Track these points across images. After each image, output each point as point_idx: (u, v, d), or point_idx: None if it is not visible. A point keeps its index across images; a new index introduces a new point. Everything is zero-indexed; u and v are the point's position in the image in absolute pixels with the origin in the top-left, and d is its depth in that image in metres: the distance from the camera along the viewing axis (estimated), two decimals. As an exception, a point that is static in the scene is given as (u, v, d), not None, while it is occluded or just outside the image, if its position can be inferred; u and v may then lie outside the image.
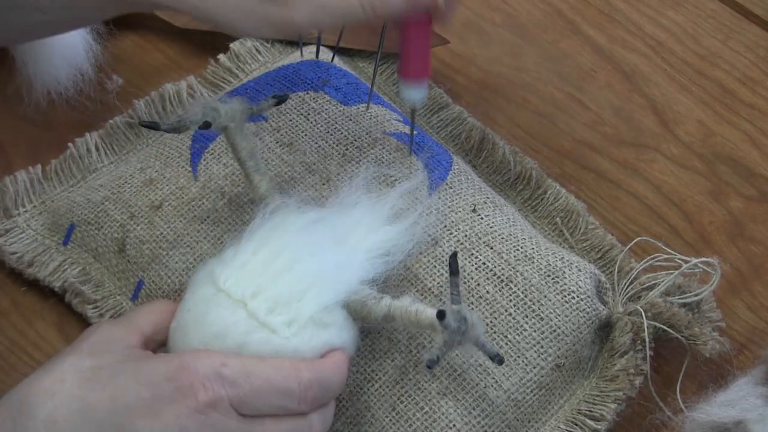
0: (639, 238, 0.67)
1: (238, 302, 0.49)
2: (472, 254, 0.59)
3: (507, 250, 0.60)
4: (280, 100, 0.59)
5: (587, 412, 0.59)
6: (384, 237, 0.55)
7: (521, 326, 0.58)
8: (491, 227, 0.61)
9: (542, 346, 0.58)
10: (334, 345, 0.51)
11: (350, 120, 0.63)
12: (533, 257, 0.60)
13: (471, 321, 0.49)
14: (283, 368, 0.46)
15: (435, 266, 0.59)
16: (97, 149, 0.68)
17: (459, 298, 0.50)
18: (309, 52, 0.70)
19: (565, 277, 0.60)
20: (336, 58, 0.70)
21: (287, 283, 0.50)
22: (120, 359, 0.46)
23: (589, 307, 0.59)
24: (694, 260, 0.62)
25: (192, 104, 0.50)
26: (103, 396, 0.44)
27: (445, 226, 0.60)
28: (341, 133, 0.63)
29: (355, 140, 0.63)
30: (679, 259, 0.64)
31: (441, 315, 0.49)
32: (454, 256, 0.51)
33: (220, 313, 0.49)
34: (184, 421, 0.43)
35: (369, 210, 0.56)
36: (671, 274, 0.62)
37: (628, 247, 0.66)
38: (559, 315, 0.59)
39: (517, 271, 0.59)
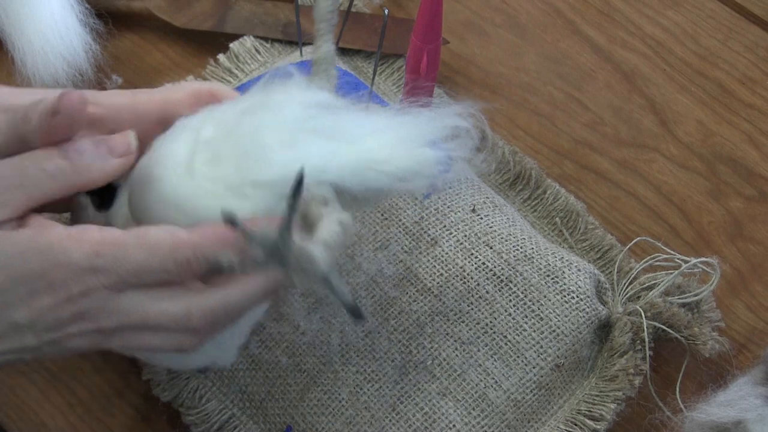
0: (639, 238, 0.67)
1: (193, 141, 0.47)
2: (472, 254, 0.59)
3: (506, 250, 0.60)
4: None
5: (587, 412, 0.59)
6: (388, 155, 0.48)
7: (521, 326, 0.58)
8: (491, 227, 0.61)
9: (542, 346, 0.58)
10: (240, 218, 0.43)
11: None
12: (533, 257, 0.60)
13: (308, 255, 0.42)
14: (160, 249, 0.45)
15: (435, 266, 0.59)
16: (97, 149, 0.68)
17: (289, 225, 0.41)
18: (309, 52, 0.70)
19: (565, 277, 0.60)
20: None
21: (247, 143, 0.46)
22: None
23: (588, 307, 0.59)
24: (694, 260, 0.63)
25: None
26: None
27: (445, 226, 0.60)
28: (341, 133, 0.63)
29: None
30: (678, 259, 0.64)
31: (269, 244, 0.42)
32: (300, 174, 0.42)
33: (174, 145, 0.47)
34: (58, 312, 0.44)
35: (388, 124, 0.49)
36: (671, 274, 0.62)
37: (628, 247, 0.66)
38: (558, 315, 0.59)
39: (517, 271, 0.59)
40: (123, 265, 0.44)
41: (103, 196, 0.51)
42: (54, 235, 0.45)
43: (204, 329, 0.46)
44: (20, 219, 0.45)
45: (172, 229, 0.45)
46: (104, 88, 0.72)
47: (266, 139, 0.46)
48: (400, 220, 0.60)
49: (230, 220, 0.42)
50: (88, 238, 0.45)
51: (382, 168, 0.47)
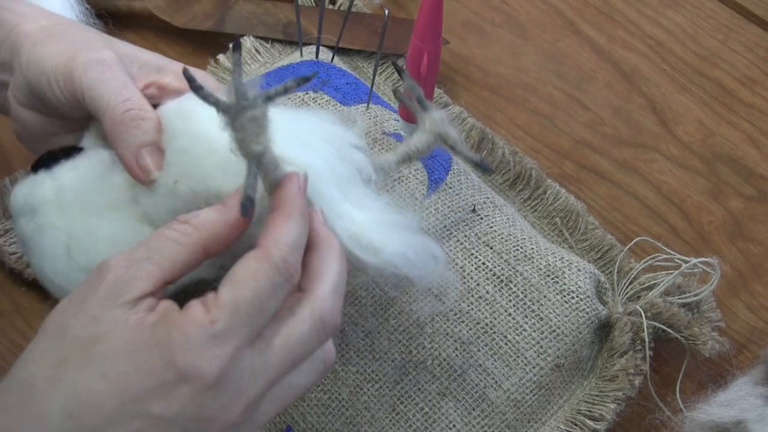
0: (639, 238, 0.67)
1: None
2: (472, 254, 0.59)
3: (507, 250, 0.60)
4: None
5: (587, 412, 0.59)
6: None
7: (521, 326, 0.58)
8: (491, 227, 0.61)
9: (542, 346, 0.58)
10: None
11: (349, 120, 0.63)
12: (533, 257, 0.60)
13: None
14: (258, 275, 0.42)
15: (435, 266, 0.59)
16: (97, 149, 0.68)
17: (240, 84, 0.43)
18: (309, 52, 0.70)
19: (565, 277, 0.60)
20: (336, 58, 0.70)
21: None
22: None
23: (588, 307, 0.59)
24: (694, 260, 0.63)
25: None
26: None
27: (445, 227, 0.60)
28: (341, 133, 0.63)
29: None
30: (678, 259, 0.64)
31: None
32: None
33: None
34: (197, 398, 0.41)
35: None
36: (671, 274, 0.62)
37: (628, 247, 0.66)
38: (558, 315, 0.59)
39: (517, 271, 0.59)
40: (238, 313, 0.41)
41: (57, 157, 0.51)
42: (172, 320, 0.41)
43: (336, 318, 0.44)
44: (155, 295, 0.42)
45: (252, 254, 0.43)
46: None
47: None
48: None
49: (188, 77, 0.42)
50: (195, 312, 0.41)
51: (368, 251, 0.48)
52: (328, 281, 0.44)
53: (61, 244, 0.50)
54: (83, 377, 0.40)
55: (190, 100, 0.49)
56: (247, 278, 0.41)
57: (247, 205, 0.42)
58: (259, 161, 0.43)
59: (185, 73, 0.42)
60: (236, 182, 0.45)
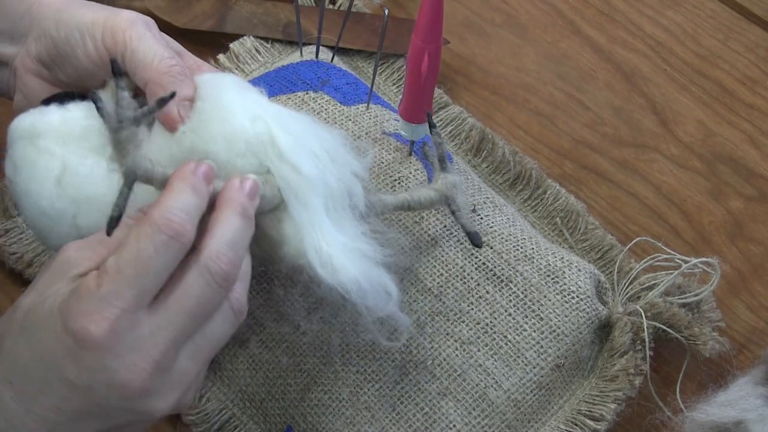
0: (639, 238, 0.67)
1: None
2: (472, 254, 0.59)
3: (507, 250, 0.60)
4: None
5: (587, 412, 0.59)
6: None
7: (521, 326, 0.58)
8: (491, 227, 0.61)
9: (542, 346, 0.58)
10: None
11: (350, 120, 0.63)
12: (533, 257, 0.60)
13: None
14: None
15: (435, 266, 0.59)
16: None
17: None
18: (309, 52, 0.70)
19: (565, 277, 0.60)
20: (336, 58, 0.70)
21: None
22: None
23: (588, 307, 0.59)
24: (694, 260, 0.63)
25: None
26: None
27: (445, 227, 0.60)
28: (341, 133, 0.63)
29: (355, 140, 0.63)
30: (678, 259, 0.64)
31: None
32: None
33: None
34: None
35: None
36: (671, 274, 0.62)
37: (628, 247, 0.66)
38: (558, 315, 0.59)
39: (517, 271, 0.59)
40: (122, 274, 0.44)
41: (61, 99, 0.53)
42: (74, 289, 0.44)
43: (228, 267, 0.45)
44: None
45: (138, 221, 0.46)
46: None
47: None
48: (400, 220, 0.60)
49: (94, 99, 0.46)
50: (88, 279, 0.44)
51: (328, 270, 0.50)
52: (217, 236, 0.46)
53: (55, 171, 0.50)
54: (15, 347, 0.44)
55: (227, 78, 0.52)
56: (129, 242, 0.44)
57: (110, 224, 0.45)
58: (130, 182, 0.45)
59: (91, 95, 0.46)
60: (233, 157, 0.48)
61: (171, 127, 0.50)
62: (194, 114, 0.50)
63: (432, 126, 0.53)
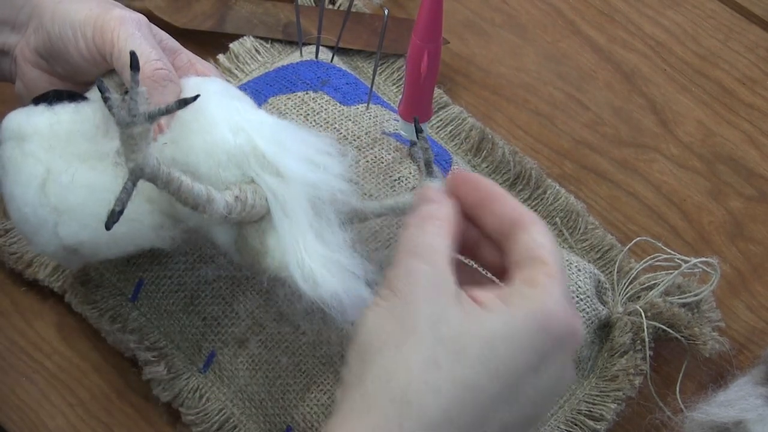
0: (639, 238, 0.67)
1: None
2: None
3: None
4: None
5: (587, 412, 0.59)
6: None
7: (521, 326, 0.58)
8: (491, 227, 0.61)
9: (542, 346, 0.58)
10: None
11: (350, 120, 0.63)
12: (533, 257, 0.60)
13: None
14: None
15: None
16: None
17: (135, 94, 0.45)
18: (308, 52, 0.70)
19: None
20: (336, 58, 0.70)
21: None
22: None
23: (588, 307, 0.59)
24: (694, 260, 0.63)
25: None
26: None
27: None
28: (340, 134, 0.63)
29: (355, 140, 0.63)
30: (678, 259, 0.64)
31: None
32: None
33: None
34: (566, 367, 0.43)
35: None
36: (671, 274, 0.62)
37: (628, 247, 0.66)
38: (558, 315, 0.59)
39: (517, 271, 0.59)
40: None
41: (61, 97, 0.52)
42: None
43: None
44: None
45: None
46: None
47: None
48: (400, 220, 0.60)
49: (101, 87, 0.45)
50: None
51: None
52: None
53: (38, 176, 0.50)
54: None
55: (211, 83, 0.52)
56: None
57: (110, 217, 0.44)
58: (135, 178, 0.44)
59: (98, 83, 0.45)
60: (215, 169, 0.48)
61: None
62: (176, 123, 0.50)
63: (419, 131, 0.53)
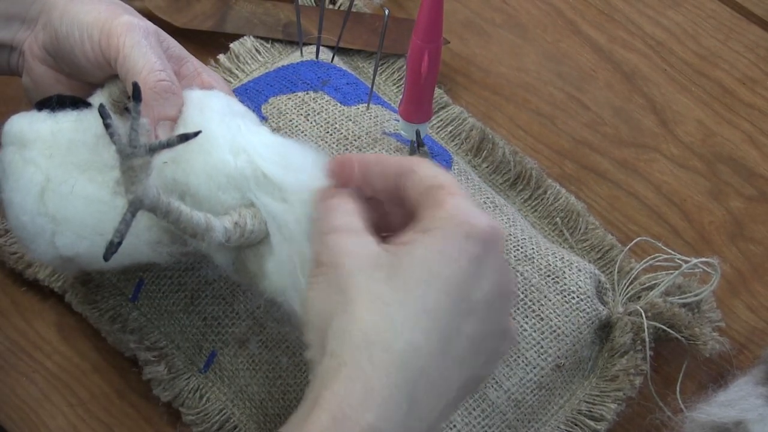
0: (639, 238, 0.67)
1: None
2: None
3: (507, 250, 0.60)
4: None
5: (587, 412, 0.59)
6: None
7: (521, 326, 0.58)
8: (491, 227, 0.61)
9: (542, 347, 0.58)
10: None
11: (350, 120, 0.63)
12: (533, 257, 0.60)
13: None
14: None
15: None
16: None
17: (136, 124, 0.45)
18: (309, 52, 0.70)
19: (565, 278, 0.60)
20: (336, 58, 0.70)
21: None
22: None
23: (589, 307, 0.59)
24: (694, 260, 0.63)
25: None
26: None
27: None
28: (341, 134, 0.63)
29: (355, 140, 0.63)
30: (679, 259, 0.64)
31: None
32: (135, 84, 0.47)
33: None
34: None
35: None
36: (671, 274, 0.62)
37: (628, 247, 0.66)
38: (559, 315, 0.59)
39: (517, 271, 0.59)
40: None
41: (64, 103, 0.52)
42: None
43: None
44: None
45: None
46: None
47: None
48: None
49: (102, 113, 0.44)
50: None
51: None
52: None
53: (38, 184, 0.50)
54: None
55: (214, 99, 0.51)
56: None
57: (109, 249, 0.44)
58: (135, 209, 0.44)
59: (100, 109, 0.44)
60: (214, 192, 0.48)
61: None
62: None
63: (420, 145, 0.53)
